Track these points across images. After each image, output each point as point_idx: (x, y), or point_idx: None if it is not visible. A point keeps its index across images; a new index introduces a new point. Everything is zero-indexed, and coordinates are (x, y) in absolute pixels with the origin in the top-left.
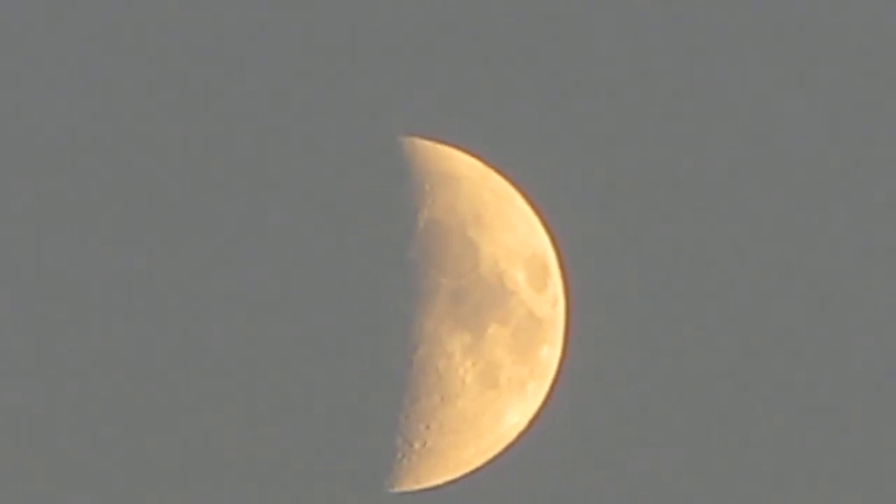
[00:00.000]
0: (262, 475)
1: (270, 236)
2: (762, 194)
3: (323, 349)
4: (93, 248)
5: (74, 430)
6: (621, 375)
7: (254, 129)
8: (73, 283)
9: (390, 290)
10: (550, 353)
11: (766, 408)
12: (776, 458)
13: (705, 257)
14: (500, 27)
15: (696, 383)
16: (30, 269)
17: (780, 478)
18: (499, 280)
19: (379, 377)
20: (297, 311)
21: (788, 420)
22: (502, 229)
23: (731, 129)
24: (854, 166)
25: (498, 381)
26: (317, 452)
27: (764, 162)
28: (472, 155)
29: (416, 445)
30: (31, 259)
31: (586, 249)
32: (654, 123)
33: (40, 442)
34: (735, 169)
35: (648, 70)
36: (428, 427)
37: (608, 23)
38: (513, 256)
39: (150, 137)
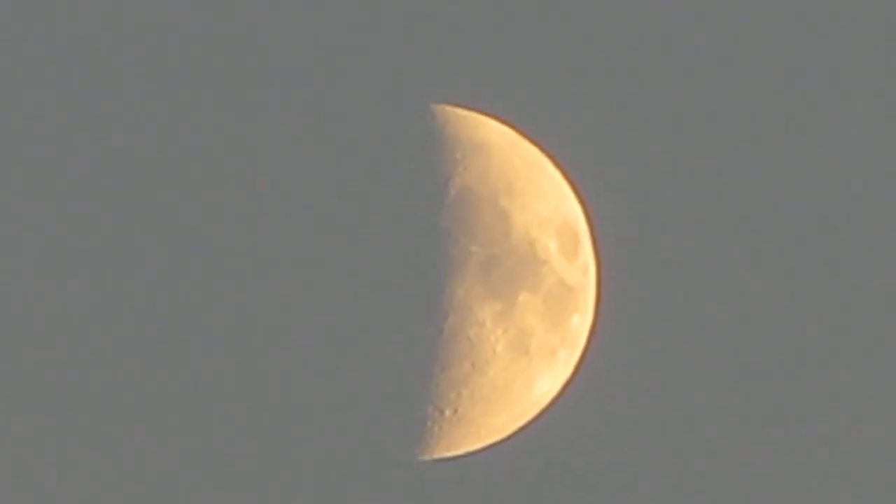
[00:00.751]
0: (291, 444)
1: (301, 205)
2: (805, 161)
3: (354, 318)
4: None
5: (80, 429)
6: (652, 343)
7: (284, 97)
8: (82, 281)
9: (421, 259)
10: (581, 322)
11: (806, 376)
12: (815, 426)
13: (739, 224)
14: None
15: (729, 350)
16: (29, 269)
17: (817, 447)
18: (530, 248)
19: (410, 346)
20: (327, 280)
21: (830, 389)
22: (534, 197)
23: (773, 95)
24: None
25: (529, 348)
26: (348, 421)
27: (809, 131)
28: (504, 123)
29: (447, 413)
30: (30, 259)
31: (617, 217)
32: (689, 90)
33: (40, 442)
34: (776, 137)
35: (684, 35)
36: (459, 395)
37: None
38: (544, 224)
39: (185, 99)
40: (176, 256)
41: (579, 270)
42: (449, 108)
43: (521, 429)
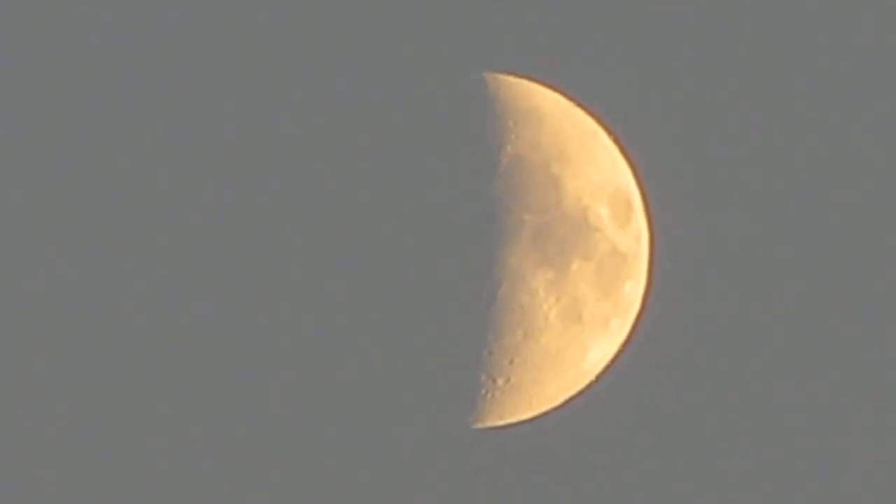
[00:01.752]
0: (344, 413)
1: (355, 174)
2: (858, 140)
3: (407, 287)
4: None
5: (86, 428)
6: (705, 311)
7: (335, 65)
8: (83, 281)
9: (474, 227)
10: (634, 289)
11: (859, 351)
12: (867, 410)
13: (791, 191)
14: None
15: (783, 317)
16: (29, 268)
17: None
18: (582, 216)
19: (463, 314)
20: (381, 249)
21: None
22: (586, 165)
23: (828, 68)
24: None
25: (581, 316)
26: (400, 389)
27: (868, 111)
28: (557, 90)
29: (500, 381)
30: (30, 259)
31: (670, 184)
32: (746, 58)
33: (40, 442)
34: (825, 110)
35: (738, 3)
36: (511, 363)
37: None
38: (596, 192)
39: (213, 84)
40: (232, 233)
41: (632, 238)
42: (501, 76)
43: (573, 397)
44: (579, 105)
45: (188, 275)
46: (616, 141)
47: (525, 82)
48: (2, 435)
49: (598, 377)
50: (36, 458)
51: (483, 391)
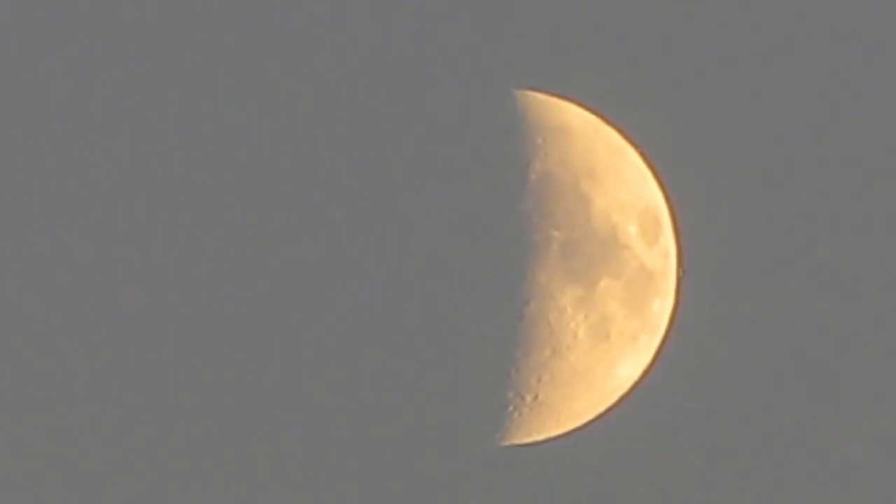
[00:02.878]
0: (373, 429)
1: (387, 189)
2: (883, 150)
3: (435, 302)
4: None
5: (93, 426)
6: (733, 329)
7: (367, 81)
8: (87, 280)
9: (502, 244)
10: (662, 307)
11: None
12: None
13: (817, 210)
14: None
15: (811, 337)
16: (29, 269)
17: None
18: (611, 233)
19: (491, 331)
20: (409, 263)
21: None
22: (615, 182)
23: (850, 79)
24: None
25: (610, 334)
26: (429, 406)
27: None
28: (586, 108)
29: (528, 399)
30: (30, 259)
31: (698, 202)
32: (769, 75)
33: (39, 442)
34: (850, 123)
35: (764, 19)
36: (539, 380)
37: None
38: (625, 209)
39: (233, 91)
40: (238, 229)
41: (660, 255)
42: (531, 93)
43: (602, 414)
44: (609, 123)
45: (193, 274)
46: (645, 159)
47: (554, 100)
48: (2, 435)
49: (627, 394)
50: (36, 459)
51: (510, 408)
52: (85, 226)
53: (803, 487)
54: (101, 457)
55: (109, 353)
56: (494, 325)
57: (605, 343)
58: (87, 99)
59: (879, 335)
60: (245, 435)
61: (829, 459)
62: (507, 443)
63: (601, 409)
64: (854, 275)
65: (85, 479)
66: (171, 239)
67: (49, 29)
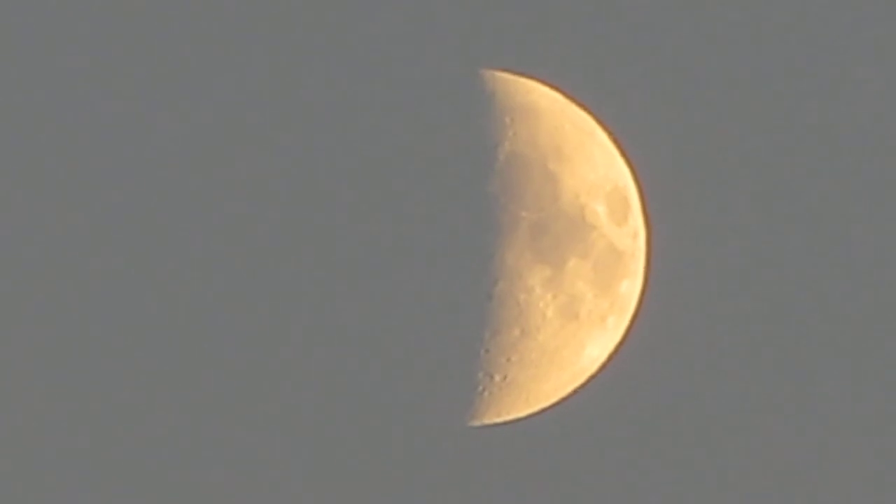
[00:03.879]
0: (340, 411)
1: (350, 172)
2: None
3: (403, 283)
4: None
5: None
6: (702, 308)
7: (331, 62)
8: (88, 280)
9: (470, 224)
10: (631, 287)
11: (857, 349)
12: (872, 401)
13: (789, 189)
14: None
15: (777, 314)
16: (29, 269)
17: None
18: (579, 213)
19: (460, 312)
20: (376, 244)
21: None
22: (583, 162)
23: (826, 65)
24: None
25: (578, 314)
26: (398, 386)
27: (856, 102)
28: (553, 88)
29: (497, 379)
30: (30, 259)
31: (667, 182)
32: (741, 56)
33: (39, 442)
34: (823, 102)
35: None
36: (509, 360)
37: None
38: (593, 190)
39: (210, 82)
40: (220, 223)
41: (629, 236)
42: (499, 74)
43: (570, 394)
44: (577, 103)
45: (183, 271)
46: (613, 139)
47: (522, 80)
48: (2, 435)
49: (595, 375)
50: (35, 459)
51: (480, 388)
52: (84, 225)
53: (774, 465)
54: (101, 456)
55: (109, 353)
56: (463, 306)
57: (573, 323)
58: (87, 98)
59: (853, 312)
60: (214, 411)
61: (801, 437)
62: (476, 423)
63: (570, 388)
64: (826, 253)
65: (84, 478)
66: (157, 236)
67: (49, 28)
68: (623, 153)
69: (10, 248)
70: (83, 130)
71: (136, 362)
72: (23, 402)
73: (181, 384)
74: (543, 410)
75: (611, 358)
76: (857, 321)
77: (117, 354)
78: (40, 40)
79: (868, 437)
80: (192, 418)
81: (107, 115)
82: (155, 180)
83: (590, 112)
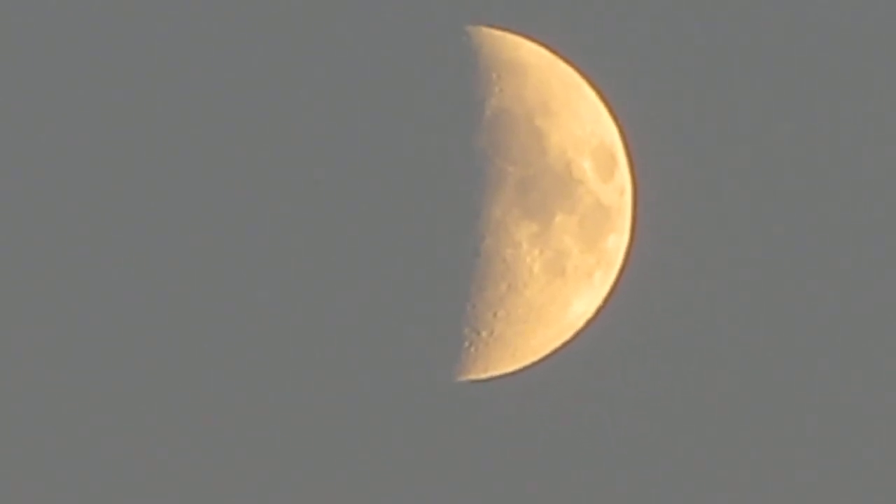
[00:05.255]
0: (327, 366)
1: (336, 129)
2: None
3: (390, 240)
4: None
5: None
6: (688, 264)
7: (317, 19)
8: (81, 281)
9: (457, 180)
10: (617, 242)
11: (841, 319)
12: (854, 376)
13: (776, 142)
14: None
15: (763, 270)
16: (29, 269)
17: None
18: (566, 169)
19: (446, 267)
20: (363, 202)
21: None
22: (570, 118)
23: (814, 38)
24: None
25: (565, 269)
26: (384, 342)
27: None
28: (540, 44)
29: (484, 334)
30: (30, 260)
31: (653, 138)
32: (731, 14)
33: (39, 442)
34: (813, 75)
35: None
36: (495, 316)
37: None
38: (580, 145)
39: (194, 66)
40: (210, 210)
41: (615, 191)
42: (485, 29)
43: (557, 350)
44: (563, 59)
45: (183, 271)
46: (600, 95)
47: (509, 35)
48: (2, 435)
49: (582, 330)
50: (35, 459)
51: (467, 344)
52: (84, 225)
53: (756, 422)
54: (101, 456)
55: (108, 353)
56: (450, 261)
57: (560, 278)
58: (85, 98)
59: (840, 277)
60: (208, 377)
61: (785, 397)
62: (463, 378)
63: (557, 344)
64: (810, 208)
65: (84, 478)
66: (157, 236)
67: (49, 28)
68: (610, 109)
69: (10, 248)
70: (83, 130)
71: (136, 362)
72: (23, 402)
73: (181, 384)
74: (530, 366)
75: (597, 313)
76: (842, 286)
77: (117, 354)
78: (40, 40)
79: (847, 413)
80: (191, 416)
81: (107, 114)
82: (155, 180)
83: (576, 68)
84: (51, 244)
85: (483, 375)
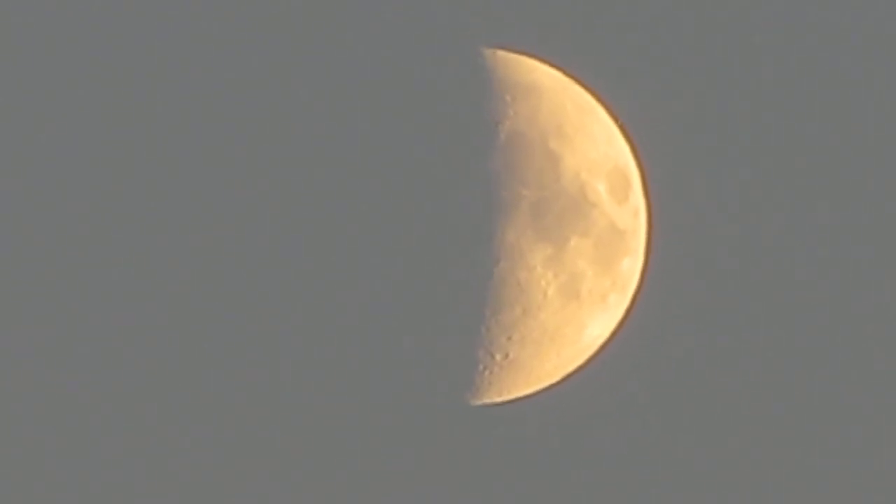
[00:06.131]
0: (341, 389)
1: (351, 150)
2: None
3: (404, 262)
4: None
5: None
6: (703, 287)
7: (335, 40)
8: (82, 281)
9: (471, 203)
10: (632, 265)
11: (855, 336)
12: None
13: (791, 165)
14: None
15: (778, 294)
16: (30, 269)
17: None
18: (580, 192)
19: (461, 290)
20: (377, 223)
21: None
22: (584, 141)
23: (824, 49)
24: None
25: (580, 292)
26: (399, 365)
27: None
28: (554, 67)
29: (498, 358)
30: (31, 259)
31: (667, 161)
32: (742, 34)
33: (39, 441)
34: (825, 91)
35: None
36: (510, 339)
37: None
38: (594, 168)
39: (210, 66)
40: (220, 210)
41: (630, 214)
42: (499, 52)
43: (572, 373)
44: (577, 81)
45: (183, 271)
46: (614, 117)
47: (523, 58)
48: (2, 435)
49: (597, 353)
50: (35, 459)
51: (481, 367)
52: (83, 225)
53: (772, 444)
54: (101, 456)
55: (108, 353)
56: (465, 285)
57: (575, 301)
58: (85, 98)
59: (853, 292)
60: (213, 389)
61: (807, 421)
62: (478, 402)
63: (571, 367)
64: (824, 229)
65: (84, 478)
66: (157, 236)
67: (49, 28)
68: (624, 132)
69: (10, 248)
70: (83, 130)
71: (136, 362)
72: (23, 402)
73: (181, 384)
74: (545, 389)
75: (612, 336)
76: (854, 302)
77: (117, 354)
78: (40, 40)
79: (869, 427)
80: (191, 416)
81: (107, 114)
82: (155, 180)
83: (590, 90)
84: (51, 244)
85: (497, 399)
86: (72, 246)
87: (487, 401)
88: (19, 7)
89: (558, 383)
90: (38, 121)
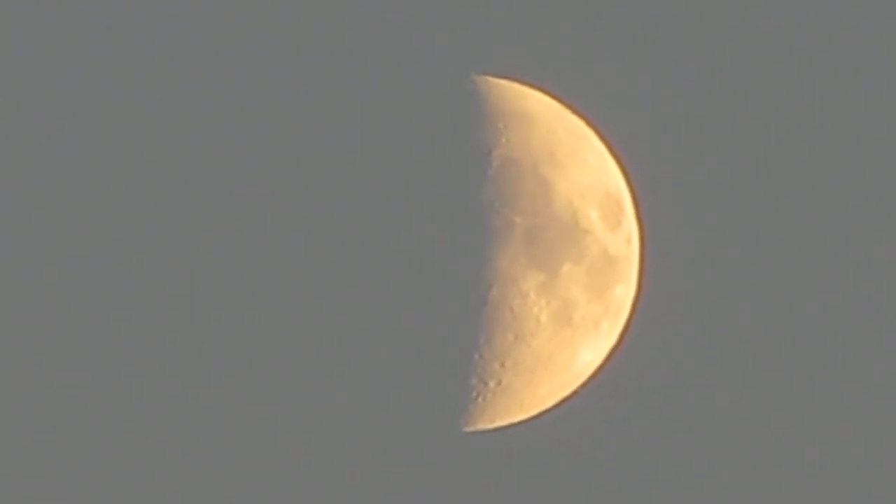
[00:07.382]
0: (334, 416)
1: (345, 174)
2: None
3: (396, 288)
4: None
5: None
6: (696, 313)
7: (328, 66)
8: (82, 281)
9: (464, 229)
10: (625, 292)
11: (853, 354)
12: (870, 398)
13: (782, 193)
14: None
15: (771, 320)
16: (30, 269)
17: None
18: (573, 218)
19: (453, 316)
20: (369, 248)
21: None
22: (576, 167)
23: (820, 66)
24: None
25: (572, 319)
26: (392, 392)
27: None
28: (547, 93)
29: (491, 384)
30: (30, 259)
31: (660, 187)
32: (733, 59)
33: (39, 441)
34: (817, 111)
35: (729, 4)
36: (503, 365)
37: None
38: (587, 195)
39: (213, 78)
40: (224, 224)
41: (622, 240)
42: (492, 79)
43: (565, 400)
44: (570, 108)
45: (183, 271)
46: (606, 144)
47: (515, 85)
48: (2, 435)
49: (590, 380)
50: (35, 459)
51: (474, 394)
52: (83, 225)
53: (771, 469)
54: (101, 456)
55: (108, 353)
56: (457, 311)
57: (567, 328)
58: (85, 98)
59: (851, 316)
60: (204, 418)
61: (799, 442)
62: (470, 428)
63: (564, 394)
64: (820, 261)
65: (84, 478)
66: (157, 236)
67: (49, 28)
68: (616, 158)
69: (10, 248)
70: (83, 130)
71: (136, 362)
72: (23, 402)
73: (181, 384)
74: (538, 416)
75: (605, 363)
76: (855, 327)
77: (117, 354)
78: (40, 40)
79: (867, 444)
80: (192, 418)
81: (107, 114)
82: (155, 180)
83: (583, 117)
84: (51, 244)
85: (490, 426)
86: (72, 246)
87: (480, 427)
88: (19, 7)
89: (551, 409)
90: (38, 121)
